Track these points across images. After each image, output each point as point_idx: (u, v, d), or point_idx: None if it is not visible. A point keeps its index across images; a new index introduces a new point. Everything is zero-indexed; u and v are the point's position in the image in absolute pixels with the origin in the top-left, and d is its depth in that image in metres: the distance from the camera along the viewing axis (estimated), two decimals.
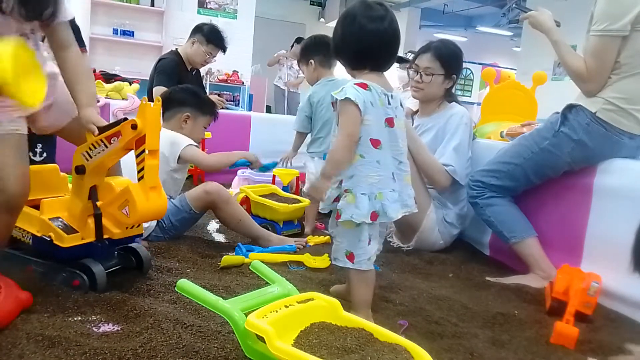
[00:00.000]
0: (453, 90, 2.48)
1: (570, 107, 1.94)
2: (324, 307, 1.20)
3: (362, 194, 1.42)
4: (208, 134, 2.99)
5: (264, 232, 2.16)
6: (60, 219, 1.56)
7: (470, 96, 11.26)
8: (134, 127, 1.38)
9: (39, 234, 1.54)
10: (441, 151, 2.33)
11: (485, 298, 1.82)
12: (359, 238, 1.44)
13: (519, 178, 2.06)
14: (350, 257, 1.45)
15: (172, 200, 2.09)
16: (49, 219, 1.53)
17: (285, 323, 1.11)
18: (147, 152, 1.41)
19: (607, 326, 1.64)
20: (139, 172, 1.43)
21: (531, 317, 1.66)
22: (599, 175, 1.91)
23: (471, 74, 11.33)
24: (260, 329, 1.04)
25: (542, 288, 1.88)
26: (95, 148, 1.47)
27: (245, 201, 2.44)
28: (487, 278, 2.03)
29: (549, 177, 2.03)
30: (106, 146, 1.45)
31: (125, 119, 1.41)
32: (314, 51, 2.61)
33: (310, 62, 2.62)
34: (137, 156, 1.42)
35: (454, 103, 2.44)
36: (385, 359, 1.04)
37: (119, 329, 1.31)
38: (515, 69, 8.58)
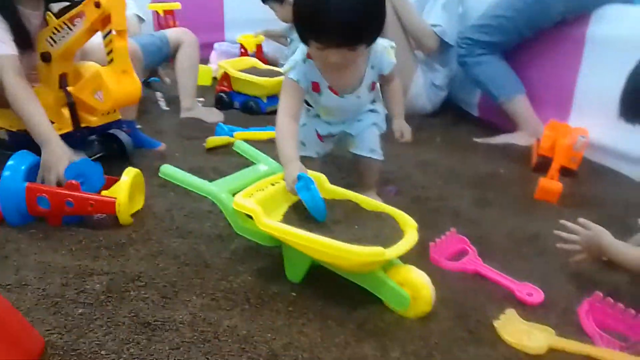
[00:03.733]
0: None
1: None
2: None
3: None
4: (177, 5, 2.76)
5: (187, 97, 2.17)
6: None
7: None
8: (97, 5, 1.29)
9: (14, 129, 1.50)
10: (429, 10, 2.19)
11: (472, 159, 1.84)
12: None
13: (510, 31, 1.96)
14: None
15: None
16: None
17: (273, 200, 1.12)
18: (114, 32, 1.32)
19: (591, 179, 1.68)
20: (108, 54, 1.36)
21: (517, 174, 1.70)
22: (593, 24, 1.82)
23: None
24: (247, 209, 1.05)
25: (530, 146, 1.89)
26: (59, 32, 1.39)
27: (225, 78, 2.34)
28: (475, 139, 2.04)
29: (541, 28, 1.94)
30: (70, 29, 1.37)
31: None
32: None
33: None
34: (104, 37, 1.35)
35: None
36: (371, 226, 1.07)
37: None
38: None
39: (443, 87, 2.32)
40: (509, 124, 2.07)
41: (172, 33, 2.20)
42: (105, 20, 1.32)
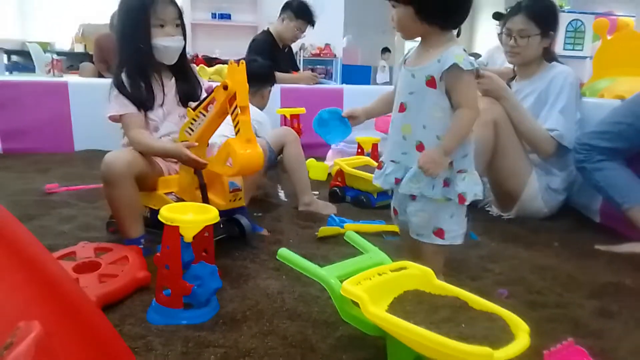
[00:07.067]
0: (553, 48, 2.31)
1: None
2: (417, 276, 1.21)
3: (474, 170, 1.40)
4: (302, 110, 3.06)
5: (306, 193, 2.27)
6: (173, 194, 1.74)
7: (582, 49, 10.29)
8: (225, 87, 1.52)
9: (156, 207, 1.73)
10: (546, 115, 2.21)
11: (593, 267, 1.72)
12: (452, 214, 1.39)
13: (631, 138, 1.90)
14: (439, 233, 1.40)
15: None
16: (165, 194, 1.72)
17: (379, 290, 1.14)
18: (239, 109, 1.53)
19: None
20: (235, 127, 1.56)
21: None
22: None
23: (582, 26, 10.31)
24: (355, 295, 1.08)
25: None
26: (195, 121, 1.65)
27: (340, 174, 2.50)
28: (597, 246, 1.91)
29: None
30: (204, 115, 1.61)
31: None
32: None
33: None
34: (231, 114, 1.55)
35: (554, 62, 2.28)
36: (479, 327, 1.04)
37: (227, 293, 1.43)
38: (634, 16, 7.65)
39: (561, 190, 2.25)
40: (634, 232, 1.92)
41: (274, 137, 2.28)
42: (231, 99, 1.53)
